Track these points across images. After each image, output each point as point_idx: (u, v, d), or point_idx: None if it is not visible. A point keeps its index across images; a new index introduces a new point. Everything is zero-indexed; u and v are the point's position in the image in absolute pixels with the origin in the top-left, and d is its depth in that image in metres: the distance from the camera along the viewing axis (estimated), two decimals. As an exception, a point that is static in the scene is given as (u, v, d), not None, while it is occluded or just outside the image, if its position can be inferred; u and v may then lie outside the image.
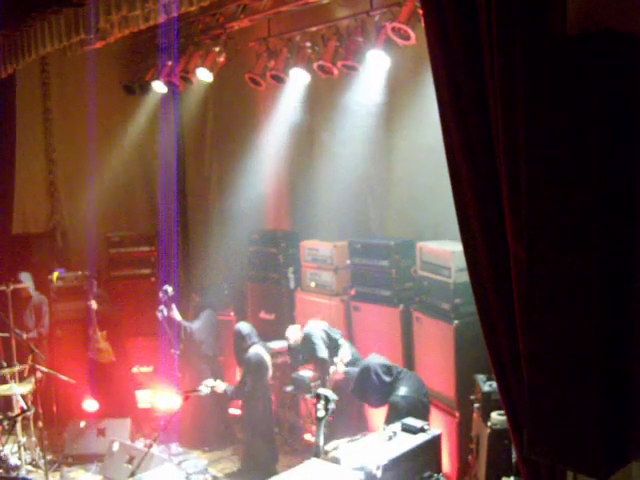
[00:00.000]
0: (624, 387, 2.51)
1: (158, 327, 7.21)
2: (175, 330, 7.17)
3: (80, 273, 8.06)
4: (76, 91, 8.47)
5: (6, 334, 7.13)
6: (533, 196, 2.53)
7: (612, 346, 2.44)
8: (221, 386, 6.33)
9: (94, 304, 7.59)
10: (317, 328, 6.18)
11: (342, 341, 6.17)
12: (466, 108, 2.93)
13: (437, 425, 5.33)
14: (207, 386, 6.16)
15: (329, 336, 6.14)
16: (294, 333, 6.57)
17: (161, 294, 7.02)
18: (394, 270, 6.28)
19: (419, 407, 5.17)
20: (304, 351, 6.27)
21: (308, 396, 6.58)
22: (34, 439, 6.71)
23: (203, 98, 8.76)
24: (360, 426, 6.09)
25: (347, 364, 5.98)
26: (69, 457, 6.97)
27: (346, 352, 6.04)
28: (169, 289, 7.02)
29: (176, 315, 7.16)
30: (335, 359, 6.03)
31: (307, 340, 6.16)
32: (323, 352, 6.06)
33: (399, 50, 5.59)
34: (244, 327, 6.63)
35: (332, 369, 6.02)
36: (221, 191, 8.92)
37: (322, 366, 6.21)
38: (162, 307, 7.02)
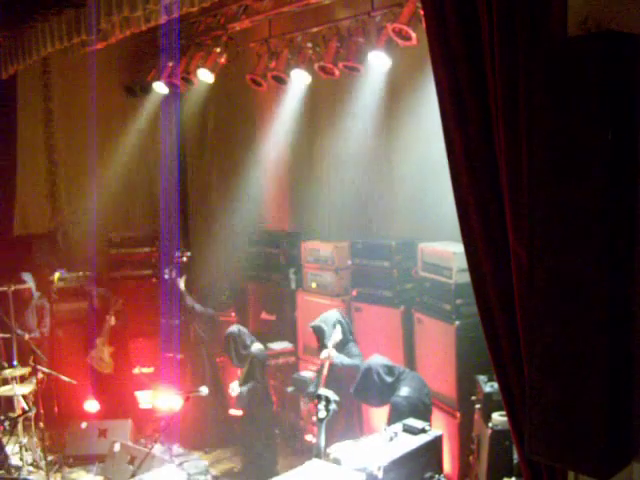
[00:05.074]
0: (625, 387, 2.51)
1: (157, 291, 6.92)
2: (173, 298, 7.06)
3: (81, 274, 8.05)
4: (77, 92, 8.47)
5: (7, 335, 7.15)
6: (534, 196, 2.53)
7: (613, 346, 2.44)
8: (236, 389, 6.29)
9: (113, 320, 7.61)
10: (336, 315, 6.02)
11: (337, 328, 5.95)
12: (467, 109, 2.93)
13: (438, 425, 5.33)
14: (232, 390, 6.20)
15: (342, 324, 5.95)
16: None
17: (178, 253, 6.84)
18: (395, 271, 6.29)
19: (421, 407, 5.16)
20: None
21: (306, 400, 6.57)
22: (35, 440, 6.71)
23: (204, 99, 8.76)
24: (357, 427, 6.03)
25: (338, 349, 5.79)
26: (70, 458, 6.96)
27: (337, 333, 5.81)
28: (186, 253, 6.89)
29: (181, 285, 7.09)
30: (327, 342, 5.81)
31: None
32: (328, 339, 5.84)
33: (400, 51, 5.59)
34: (237, 328, 6.52)
35: (324, 352, 5.76)
36: (222, 192, 8.92)
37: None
38: (172, 267, 6.89)
